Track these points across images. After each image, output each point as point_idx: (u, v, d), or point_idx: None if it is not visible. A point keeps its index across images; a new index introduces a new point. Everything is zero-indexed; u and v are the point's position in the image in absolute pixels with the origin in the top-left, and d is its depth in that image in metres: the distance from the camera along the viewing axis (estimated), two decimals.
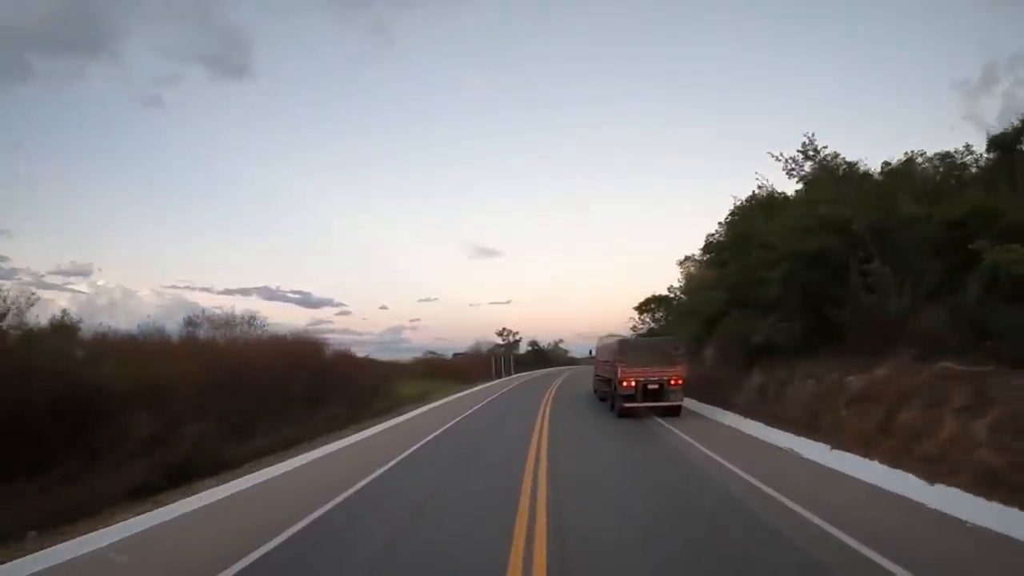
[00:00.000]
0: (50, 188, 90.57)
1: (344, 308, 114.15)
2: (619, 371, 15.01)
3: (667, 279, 64.62)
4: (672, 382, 14.86)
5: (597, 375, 22.36)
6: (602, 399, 19.91)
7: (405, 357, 55.97)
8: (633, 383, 14.83)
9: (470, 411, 19.07)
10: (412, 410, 20.66)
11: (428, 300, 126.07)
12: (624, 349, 15.68)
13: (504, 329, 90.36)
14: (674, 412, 15.12)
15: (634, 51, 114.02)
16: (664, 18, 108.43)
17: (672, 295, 39.27)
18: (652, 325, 52.94)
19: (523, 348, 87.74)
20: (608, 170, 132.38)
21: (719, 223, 28.46)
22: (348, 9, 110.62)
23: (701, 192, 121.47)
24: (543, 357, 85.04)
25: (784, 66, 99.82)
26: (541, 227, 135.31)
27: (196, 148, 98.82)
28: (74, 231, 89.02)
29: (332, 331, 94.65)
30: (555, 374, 52.02)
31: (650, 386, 14.85)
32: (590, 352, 28.34)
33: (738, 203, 23.18)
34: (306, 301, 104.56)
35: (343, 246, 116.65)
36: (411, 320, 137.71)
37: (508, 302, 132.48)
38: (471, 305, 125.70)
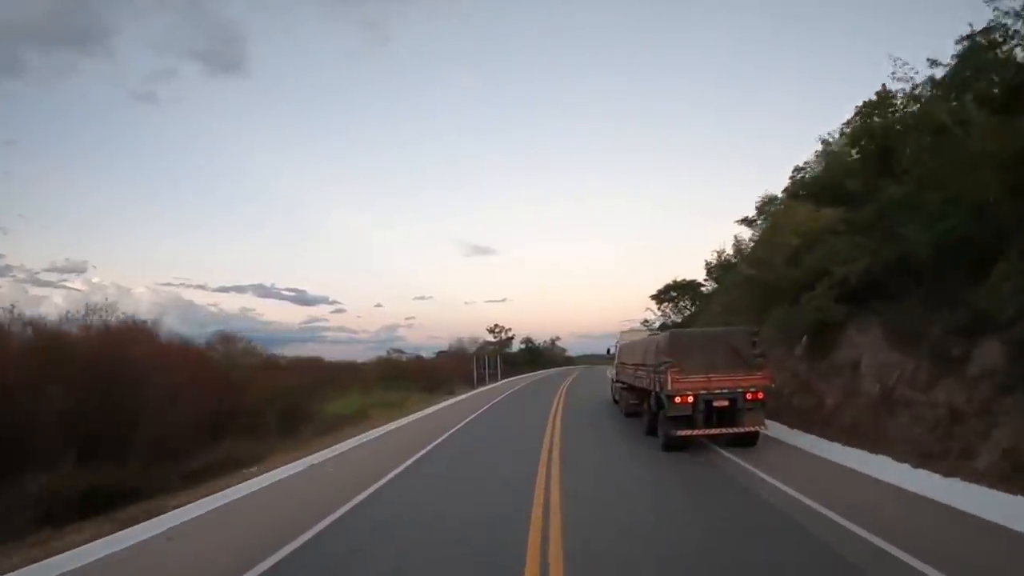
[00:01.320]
0: (45, 185, 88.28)
1: (339, 306, 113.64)
2: (668, 380, 9.65)
3: (669, 275, 55.80)
4: (749, 396, 9.55)
5: (619, 382, 16.96)
6: (631, 415, 14.44)
7: (364, 356, 45.50)
8: (690, 398, 9.56)
9: (397, 472, 8.58)
10: (255, 476, 9.86)
11: (423, 298, 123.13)
12: (676, 346, 10.22)
13: (496, 326, 80.00)
14: (748, 441, 9.85)
15: (629, 47, 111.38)
16: (656, 13, 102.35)
17: (717, 271, 28.82)
18: (674, 317, 42.81)
19: (516, 347, 77.38)
20: (605, 167, 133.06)
21: (825, 139, 18.12)
22: (341, 4, 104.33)
23: (703, 188, 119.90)
24: (538, 356, 74.43)
25: (781, 67, 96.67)
26: (536, 225, 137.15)
27: (190, 144, 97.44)
28: (69, 228, 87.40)
29: (328, 329, 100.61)
30: (557, 378, 41.74)
31: (717, 403, 9.63)
32: (608, 351, 21.55)
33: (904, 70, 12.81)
34: (301, 299, 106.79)
35: (338, 243, 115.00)
36: (406, 318, 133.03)
37: (503, 300, 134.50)
38: (466, 303, 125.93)
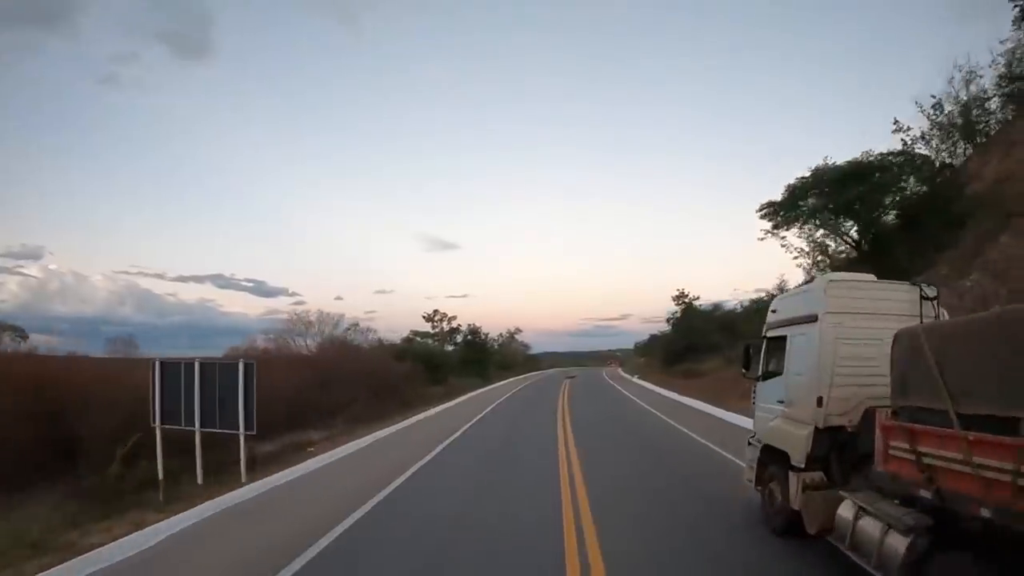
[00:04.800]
0: (0, 167, 72.17)
1: (299, 298, 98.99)
2: None
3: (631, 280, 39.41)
4: None
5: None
6: None
7: None
8: None
9: None
10: None
11: (384, 292, 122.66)
12: None
13: (435, 312, 53.51)
14: None
15: (597, 48, 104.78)
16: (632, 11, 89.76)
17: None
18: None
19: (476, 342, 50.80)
20: (576, 163, 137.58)
21: None
22: None
23: (675, 187, 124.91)
24: (485, 356, 47.89)
25: (758, 73, 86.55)
26: (501, 221, 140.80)
27: (152, 129, 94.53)
28: (25, 212, 79.97)
29: (287, 321, 77.28)
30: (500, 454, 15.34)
31: None
32: (746, 354, 6.72)
33: None
34: (260, 290, 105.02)
35: (300, 235, 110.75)
36: (366, 312, 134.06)
37: (465, 296, 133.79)
38: (428, 298, 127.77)
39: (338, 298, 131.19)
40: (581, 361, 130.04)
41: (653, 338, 61.23)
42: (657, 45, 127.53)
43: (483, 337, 48.67)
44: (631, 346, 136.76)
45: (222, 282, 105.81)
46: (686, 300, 37.08)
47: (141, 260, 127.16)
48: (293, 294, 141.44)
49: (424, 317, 51.30)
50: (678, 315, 37.77)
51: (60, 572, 5.28)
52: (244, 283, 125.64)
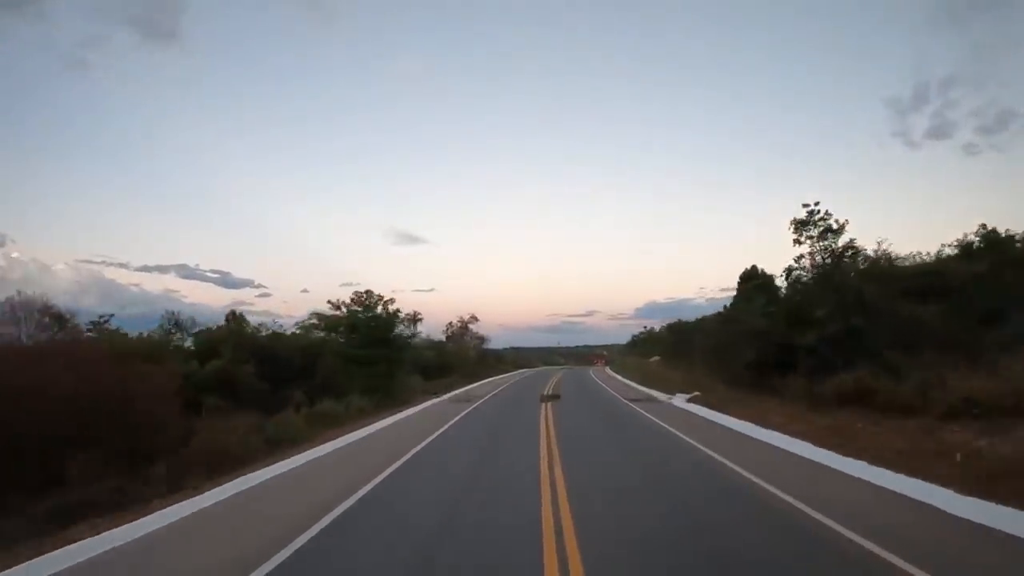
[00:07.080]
0: None
1: (265, 290, 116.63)
2: None
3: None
4: None
5: None
6: None
7: None
8: None
9: None
10: None
11: (350, 285, 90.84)
12: None
13: (368, 293, 31.52)
14: None
15: (565, 45, 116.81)
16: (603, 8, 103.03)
17: None
18: None
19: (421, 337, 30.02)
20: (541, 161, 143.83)
21: None
22: None
23: (640, 184, 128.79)
24: (389, 350, 26.47)
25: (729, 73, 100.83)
26: (469, 216, 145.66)
27: (119, 116, 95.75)
28: None
29: (252, 313, 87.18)
30: None
31: None
32: None
33: None
34: (225, 281, 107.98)
35: (267, 227, 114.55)
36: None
37: (431, 290, 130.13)
38: (394, 291, 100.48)
39: (304, 291, 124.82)
40: (551, 359, 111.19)
41: (679, 325, 40.89)
42: (632, 39, 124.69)
43: (382, 312, 27.24)
44: (598, 342, 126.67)
45: (187, 272, 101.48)
46: (831, 229, 15.57)
47: (105, 250, 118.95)
48: (259, 286, 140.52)
49: (351, 299, 29.93)
50: (801, 270, 16.67)
51: None
52: (209, 274, 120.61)
